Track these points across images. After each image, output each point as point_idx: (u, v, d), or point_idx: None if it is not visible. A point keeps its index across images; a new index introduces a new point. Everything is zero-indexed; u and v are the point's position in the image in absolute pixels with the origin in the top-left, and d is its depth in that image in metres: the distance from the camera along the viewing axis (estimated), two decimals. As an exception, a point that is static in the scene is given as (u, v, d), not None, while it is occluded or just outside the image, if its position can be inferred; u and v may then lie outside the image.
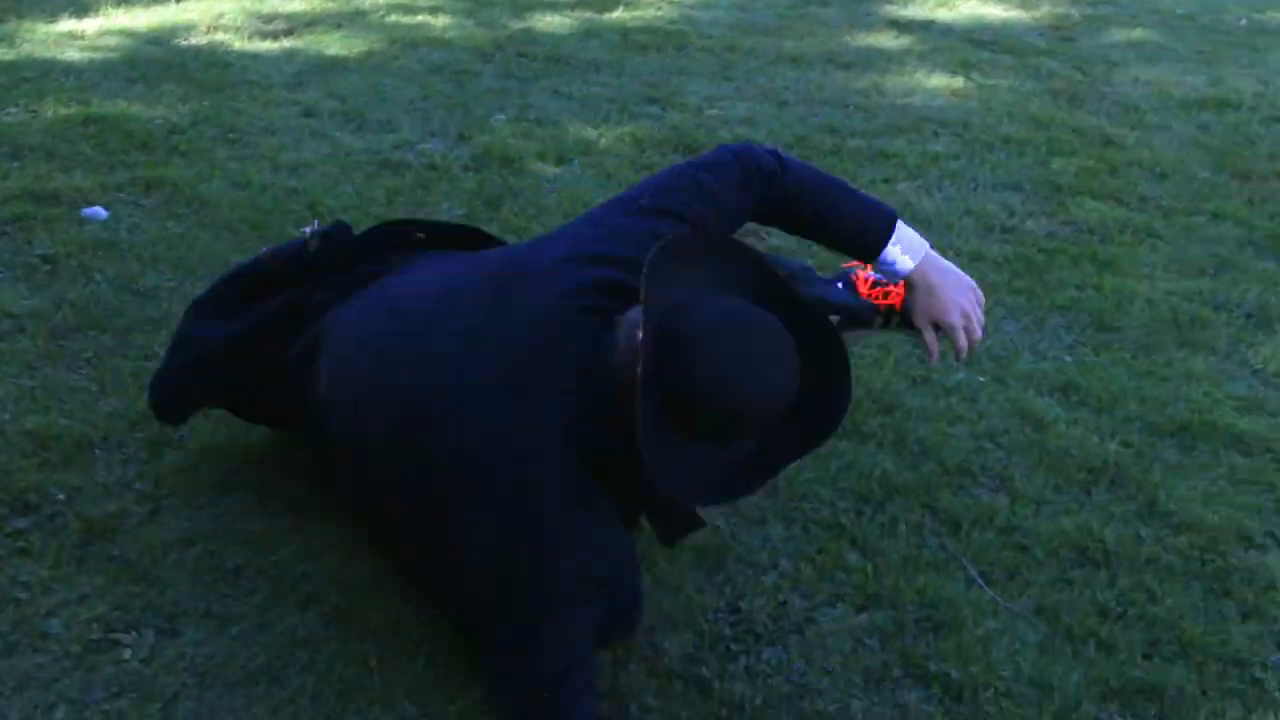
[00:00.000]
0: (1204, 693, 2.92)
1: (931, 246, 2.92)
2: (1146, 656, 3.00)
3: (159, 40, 5.81)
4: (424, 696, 2.68)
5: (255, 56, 5.72)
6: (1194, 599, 3.19)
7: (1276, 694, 2.94)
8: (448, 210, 4.56)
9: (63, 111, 5.06)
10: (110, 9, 6.17)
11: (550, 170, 4.94)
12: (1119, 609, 3.13)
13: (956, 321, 2.89)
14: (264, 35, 5.96)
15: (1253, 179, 5.48)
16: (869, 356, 3.97)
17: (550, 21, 6.47)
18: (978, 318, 2.91)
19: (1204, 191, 5.34)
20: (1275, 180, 5.48)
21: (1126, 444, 3.74)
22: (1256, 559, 3.35)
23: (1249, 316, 4.48)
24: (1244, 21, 7.49)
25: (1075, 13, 7.38)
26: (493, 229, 4.42)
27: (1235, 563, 3.32)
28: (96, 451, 3.26)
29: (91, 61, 5.57)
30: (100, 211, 4.37)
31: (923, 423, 3.73)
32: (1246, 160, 5.64)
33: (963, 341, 2.89)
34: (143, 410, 3.31)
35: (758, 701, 2.78)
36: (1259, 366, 4.19)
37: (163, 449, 3.29)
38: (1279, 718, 2.87)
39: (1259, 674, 2.99)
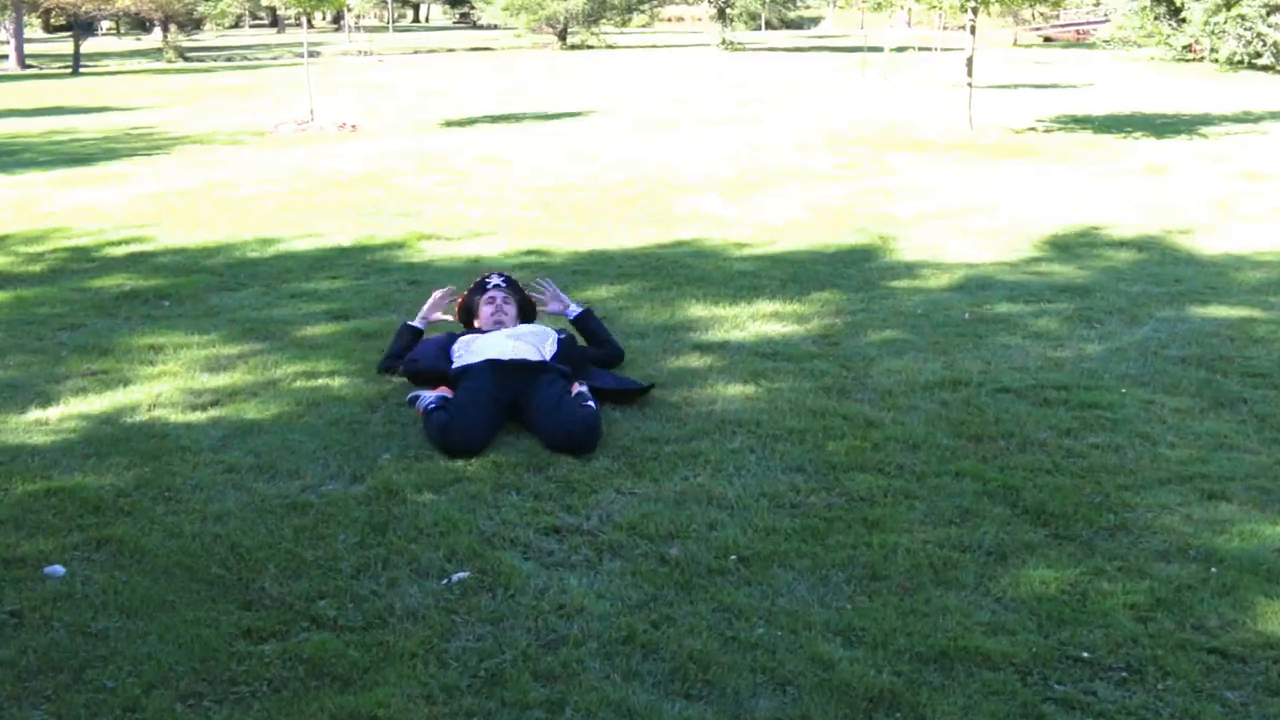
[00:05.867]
0: None
1: None
2: None
3: (110, 420, 5.75)
4: None
5: (188, 426, 5.66)
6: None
7: None
8: (342, 540, 4.49)
9: (29, 487, 4.95)
10: (69, 398, 6.09)
11: (428, 498, 4.88)
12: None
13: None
14: (195, 408, 5.91)
15: (984, 440, 5.56)
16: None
17: (427, 372, 6.47)
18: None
19: (947, 456, 5.38)
20: (1002, 440, 5.56)
21: (898, 673, 3.70)
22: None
23: (989, 554, 4.49)
24: (968, 315, 7.67)
25: (839, 322, 7.53)
26: (380, 553, 4.38)
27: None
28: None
29: (53, 443, 5.47)
30: (58, 569, 4.27)
31: (735, 676, 3.67)
32: (977, 426, 5.72)
33: None
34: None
35: None
36: (999, 595, 4.19)
37: None
38: None
39: None
